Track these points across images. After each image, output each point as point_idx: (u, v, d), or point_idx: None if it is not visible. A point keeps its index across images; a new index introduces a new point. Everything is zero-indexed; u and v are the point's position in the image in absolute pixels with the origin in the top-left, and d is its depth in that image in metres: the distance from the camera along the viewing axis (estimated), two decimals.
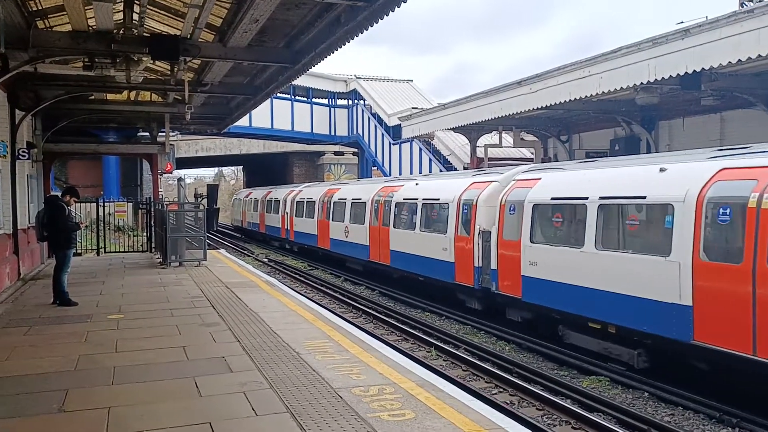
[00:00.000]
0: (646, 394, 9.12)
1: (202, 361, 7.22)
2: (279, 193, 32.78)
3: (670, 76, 12.83)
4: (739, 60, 11.32)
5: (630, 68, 13.78)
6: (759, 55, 10.93)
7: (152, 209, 21.23)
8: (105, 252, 20.47)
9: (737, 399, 8.24)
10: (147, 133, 22.85)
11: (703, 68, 12.14)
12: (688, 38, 12.22)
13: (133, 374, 6.69)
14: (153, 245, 20.52)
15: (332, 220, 23.47)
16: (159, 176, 25.46)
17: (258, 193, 37.23)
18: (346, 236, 21.94)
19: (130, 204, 26.63)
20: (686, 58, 12.30)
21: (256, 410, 5.55)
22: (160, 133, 21.90)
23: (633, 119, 19.00)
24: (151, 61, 12.87)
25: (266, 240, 35.23)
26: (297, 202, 28.63)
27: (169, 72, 14.63)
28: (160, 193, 26.88)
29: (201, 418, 5.38)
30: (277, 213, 31.64)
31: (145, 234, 22.37)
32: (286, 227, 30.54)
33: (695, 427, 7.95)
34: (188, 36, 11.22)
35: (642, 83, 13.70)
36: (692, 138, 17.11)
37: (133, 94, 18.45)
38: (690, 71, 12.35)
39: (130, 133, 23.69)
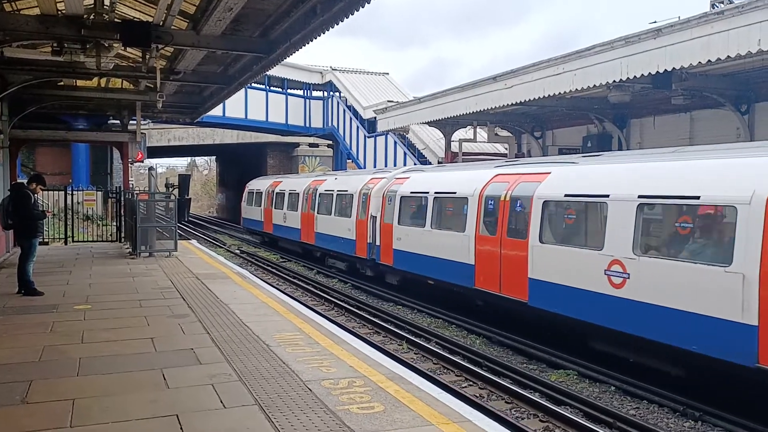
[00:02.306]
0: (613, 387, 9.27)
1: (171, 352, 7.14)
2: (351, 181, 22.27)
3: (642, 74, 12.99)
4: (709, 60, 11.51)
5: (603, 66, 13.93)
6: (728, 56, 11.13)
7: (122, 198, 20.91)
8: (73, 241, 20.12)
9: (700, 393, 8.42)
10: (118, 121, 22.48)
11: (674, 68, 12.32)
12: (659, 38, 12.39)
13: (100, 366, 6.59)
14: (123, 235, 20.23)
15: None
16: (130, 165, 25.06)
17: (300, 182, 25.38)
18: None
19: (100, 193, 26.19)
20: (658, 57, 12.47)
21: (224, 403, 5.51)
22: (131, 122, 21.54)
23: (605, 117, 19.22)
24: (123, 48, 12.62)
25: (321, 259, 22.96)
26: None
27: (140, 59, 14.32)
28: (130, 182, 26.47)
29: (168, 410, 5.32)
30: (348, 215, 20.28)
31: (114, 223, 22.05)
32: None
33: (659, 420, 8.11)
34: (161, 23, 11.02)
35: (614, 81, 13.86)
36: (663, 136, 17.37)
37: (103, 81, 18.08)
38: (661, 70, 12.53)
39: (100, 121, 23.28)
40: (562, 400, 8.68)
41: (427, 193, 14.89)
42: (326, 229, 20.98)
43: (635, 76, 13.16)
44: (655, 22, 13.32)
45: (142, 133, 21.81)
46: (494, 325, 12.53)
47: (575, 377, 9.78)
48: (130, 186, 24.17)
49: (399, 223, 15.89)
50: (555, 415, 8.09)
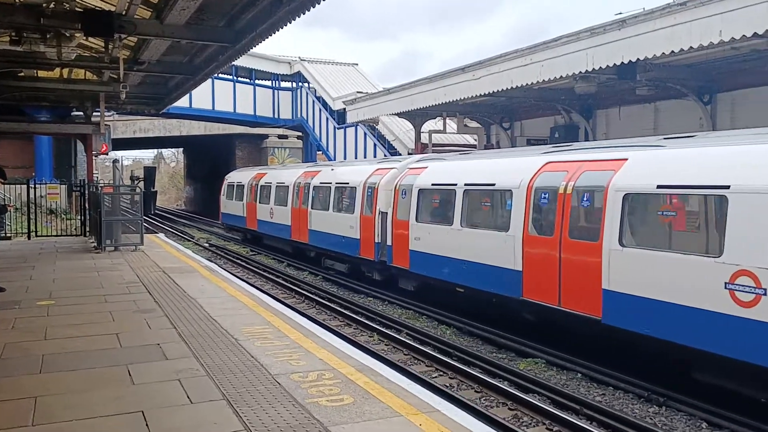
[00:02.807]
0: (580, 375, 9.41)
1: (136, 348, 7.03)
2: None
3: (607, 65, 13.13)
4: (672, 51, 11.68)
5: (569, 57, 14.05)
6: (691, 47, 11.30)
7: (86, 192, 20.51)
8: (36, 236, 19.66)
9: (665, 379, 8.59)
10: (81, 113, 22.00)
11: (638, 58, 12.48)
12: (624, 29, 12.53)
13: (63, 362, 6.46)
14: (87, 229, 19.85)
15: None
16: (94, 157, 24.55)
17: (289, 173, 23.10)
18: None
19: (64, 186, 25.66)
20: (622, 48, 12.61)
21: (191, 398, 5.44)
22: (94, 113, 21.13)
23: (572, 107, 19.42)
24: (84, 38, 12.33)
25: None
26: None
27: (103, 49, 14.03)
28: (95, 175, 25.94)
29: (133, 406, 5.24)
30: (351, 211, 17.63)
31: (79, 217, 21.61)
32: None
33: (625, 406, 8.25)
34: (123, 12, 10.78)
35: (580, 72, 13.99)
36: (628, 126, 17.63)
37: (65, 71, 17.68)
38: (626, 61, 12.68)
39: (63, 113, 22.76)
40: (531, 388, 8.78)
41: (455, 185, 12.72)
42: (322, 226, 18.75)
43: (601, 67, 13.30)
44: (620, 13, 13.47)
45: (106, 124, 21.43)
46: (465, 316, 12.61)
47: (543, 365, 9.91)
48: (95, 179, 23.68)
49: (417, 220, 13.77)
50: (523, 403, 8.18)
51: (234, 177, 29.91)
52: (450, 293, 12.92)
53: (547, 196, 10.37)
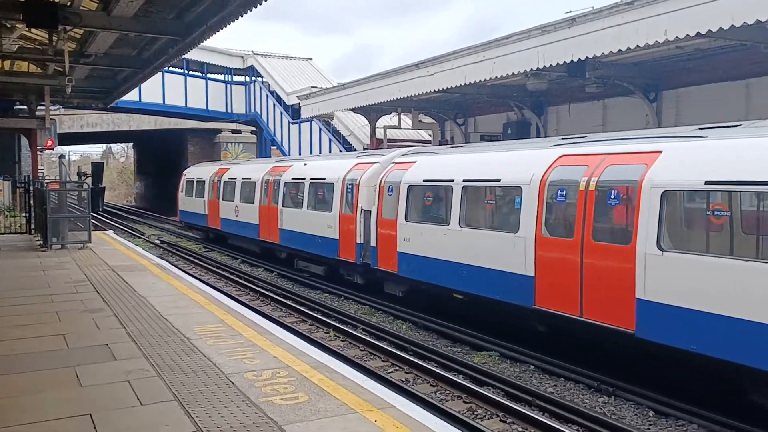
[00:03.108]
0: (532, 367, 9.58)
1: (84, 349, 6.84)
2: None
3: (558, 63, 13.35)
4: (620, 50, 11.94)
5: (521, 54, 14.23)
6: (638, 46, 11.59)
7: (31, 188, 19.83)
8: None
9: (615, 370, 8.81)
10: (25, 107, 21.25)
11: (587, 57, 12.72)
12: (574, 27, 12.76)
13: (7, 365, 6.24)
14: (33, 227, 19.19)
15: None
16: (39, 153, 23.76)
17: (255, 168, 21.90)
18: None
19: (7, 182, 24.73)
20: (572, 46, 12.84)
21: (141, 399, 5.32)
22: (39, 107, 20.44)
23: (524, 104, 19.70)
24: (27, 29, 11.92)
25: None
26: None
27: (47, 41, 13.60)
28: (40, 170, 25.09)
29: (81, 409, 5.10)
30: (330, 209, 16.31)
31: (24, 214, 20.86)
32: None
33: (576, 396, 8.44)
34: (69, 3, 10.46)
35: (532, 69, 14.18)
36: (577, 123, 17.97)
37: (7, 63, 17.04)
38: (576, 59, 12.91)
39: (5, 106, 21.95)
40: (485, 381, 8.90)
41: (451, 181, 11.53)
42: (295, 225, 17.39)
43: (551, 65, 13.52)
44: (570, 11, 13.73)
45: (51, 119, 20.77)
46: (420, 311, 12.67)
47: (497, 358, 10.05)
48: (40, 175, 22.92)
49: (406, 219, 12.60)
50: (478, 396, 8.29)
51: (193, 172, 28.19)
52: (445, 299, 11.84)
53: (564, 193, 9.33)
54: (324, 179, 16.36)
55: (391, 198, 13.28)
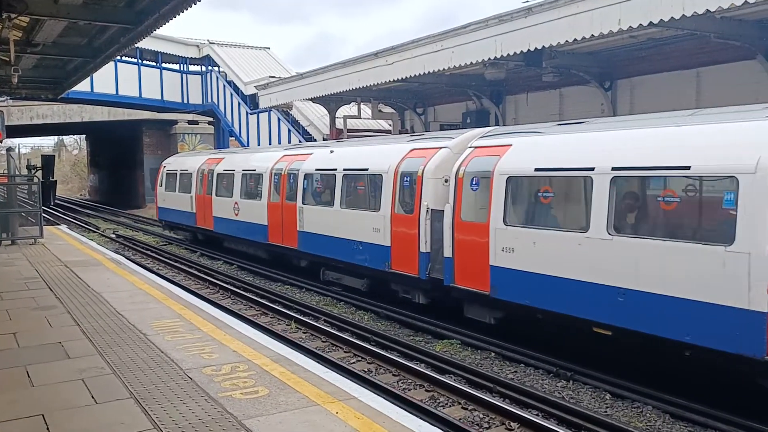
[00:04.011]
0: (493, 354, 9.69)
1: (36, 348, 6.64)
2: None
3: (515, 52, 13.46)
4: (575, 39, 12.10)
5: (479, 44, 14.30)
6: (592, 35, 11.75)
7: None
8: None
9: (571, 355, 8.97)
10: None
11: (543, 46, 12.86)
12: (530, 16, 12.87)
13: None
14: None
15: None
16: None
17: (261, 158, 18.39)
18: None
19: None
20: (529, 35, 12.96)
21: (95, 398, 5.19)
22: None
23: (483, 93, 19.82)
24: None
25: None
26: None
27: None
28: None
29: (32, 409, 4.95)
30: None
31: None
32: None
33: (536, 381, 8.57)
34: None
35: (490, 59, 14.27)
36: (535, 112, 18.18)
37: None
38: (532, 48, 13.03)
39: None
40: (447, 369, 8.96)
41: (591, 170, 8.35)
42: (323, 227, 14.14)
43: (509, 54, 13.62)
44: (527, 1, 13.83)
45: None
46: (382, 301, 12.68)
47: (458, 346, 10.13)
48: None
49: (506, 222, 9.45)
50: (440, 384, 8.34)
51: (175, 163, 24.59)
52: (575, 334, 8.93)
53: None
54: (366, 170, 13.05)
55: (476, 194, 10.21)
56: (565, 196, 9.42)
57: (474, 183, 10.35)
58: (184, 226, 23.16)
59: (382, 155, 12.83)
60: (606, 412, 7.54)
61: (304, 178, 15.11)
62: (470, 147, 10.73)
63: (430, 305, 11.69)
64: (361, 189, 13.47)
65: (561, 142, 9.59)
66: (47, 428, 4.64)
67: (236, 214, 18.48)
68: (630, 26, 11.02)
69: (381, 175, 12.34)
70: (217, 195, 19.83)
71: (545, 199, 9.45)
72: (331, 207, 13.88)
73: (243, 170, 18.48)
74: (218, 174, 19.94)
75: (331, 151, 14.77)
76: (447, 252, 10.49)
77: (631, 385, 8.03)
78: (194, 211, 21.63)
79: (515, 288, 9.37)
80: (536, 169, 9.28)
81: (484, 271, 9.80)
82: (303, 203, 14.99)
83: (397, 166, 12.04)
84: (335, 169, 13.88)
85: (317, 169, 14.79)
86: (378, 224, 12.27)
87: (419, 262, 11.28)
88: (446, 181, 10.97)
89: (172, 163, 25.02)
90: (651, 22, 10.68)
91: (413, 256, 11.40)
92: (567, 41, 12.31)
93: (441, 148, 11.50)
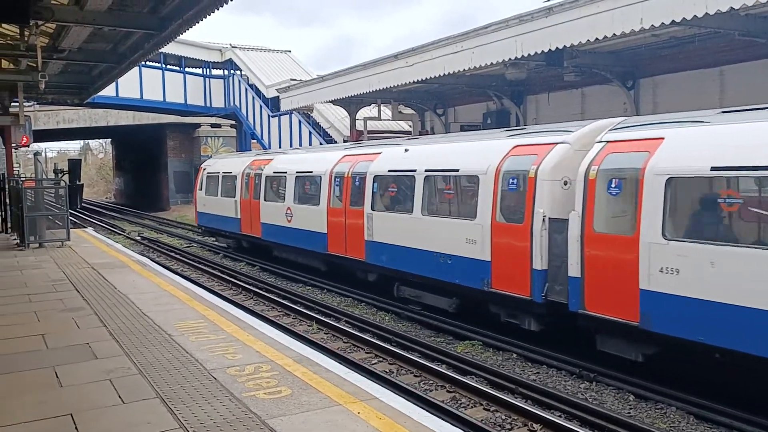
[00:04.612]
0: (515, 355, 9.66)
1: (64, 348, 6.77)
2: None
3: (536, 52, 13.42)
4: (597, 38, 12.03)
5: (499, 44, 14.27)
6: (614, 34, 11.68)
7: (6, 186, 19.53)
8: None
9: (593, 357, 8.92)
10: None
11: (564, 46, 12.80)
12: (551, 16, 12.81)
13: None
14: (9, 226, 18.92)
15: None
16: (14, 150, 23.37)
17: (318, 158, 16.67)
18: None
19: None
20: (550, 35, 12.91)
21: (123, 398, 5.29)
22: (12, 103, 20.05)
23: (503, 94, 19.77)
24: None
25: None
26: None
27: (19, 36, 13.35)
28: (16, 168, 24.71)
29: (61, 409, 5.06)
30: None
31: None
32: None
33: (558, 383, 8.54)
34: None
35: (510, 59, 14.23)
36: (556, 112, 18.09)
37: None
38: (553, 48, 12.98)
39: None
40: (468, 370, 8.96)
41: None
42: (397, 237, 12.43)
43: (529, 54, 13.57)
44: (547, 0, 13.77)
45: (25, 116, 20.36)
46: (402, 302, 12.70)
47: (480, 347, 10.12)
48: (16, 172, 22.57)
49: (667, 236, 7.56)
50: (461, 385, 8.34)
51: (216, 165, 22.91)
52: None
53: None
54: (455, 171, 11.35)
55: (616, 199, 8.44)
56: (759, 203, 7.18)
57: (613, 186, 8.40)
58: (226, 232, 21.49)
59: (477, 153, 10.98)
60: (629, 413, 7.49)
61: (374, 181, 13.26)
62: (601, 141, 8.80)
63: (543, 333, 9.77)
64: (450, 193, 11.86)
65: (748, 132, 7.32)
66: (76, 428, 4.74)
67: (289, 221, 16.86)
68: (652, 25, 10.93)
69: (477, 176, 10.51)
70: (266, 199, 18.26)
71: (729, 206, 7.47)
72: (408, 214, 12.12)
73: (297, 172, 16.78)
74: (267, 176, 18.32)
75: (406, 150, 13.00)
76: (573, 271, 8.60)
77: (654, 386, 7.97)
78: (239, 216, 19.98)
79: (681, 319, 7.43)
80: (714, 168, 7.21)
81: (630, 296, 7.86)
82: (372, 209, 13.18)
83: (499, 165, 10.14)
84: (414, 171, 12.12)
85: (390, 171, 12.99)
86: (473, 234, 10.42)
87: (532, 282, 9.37)
88: (566, 183, 9.22)
89: (212, 165, 23.22)
90: (673, 20, 10.58)
91: (523, 273, 9.47)
92: (588, 41, 12.24)
93: (557, 143, 9.57)
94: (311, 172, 16.03)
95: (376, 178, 13.24)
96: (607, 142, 8.70)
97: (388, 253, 12.70)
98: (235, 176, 20.29)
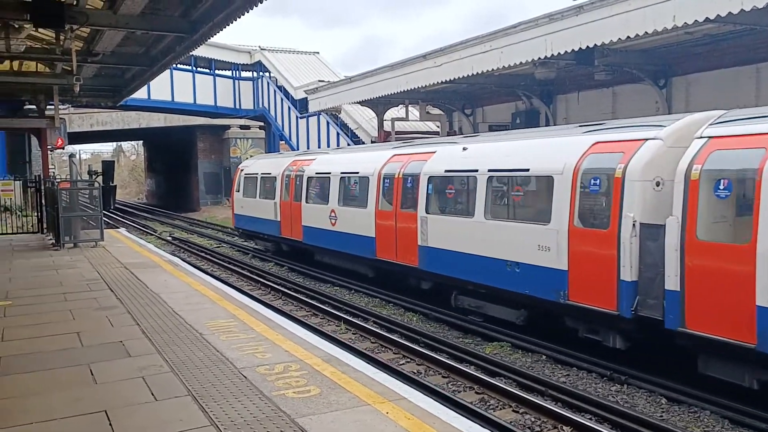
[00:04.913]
0: (544, 357, 9.57)
1: (98, 346, 6.90)
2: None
3: (566, 51, 13.29)
4: (628, 37, 11.87)
5: (528, 43, 14.17)
6: (645, 32, 11.51)
7: (42, 187, 19.98)
8: None
9: (626, 359, 8.79)
10: (34, 106, 21.38)
11: (595, 44, 12.66)
12: (581, 15, 12.68)
13: (22, 364, 6.30)
14: (45, 226, 19.35)
15: None
16: (49, 152, 23.90)
17: (363, 158, 15.95)
18: None
19: (18, 182, 24.92)
20: (580, 34, 12.77)
21: (155, 395, 5.37)
22: (48, 106, 20.55)
23: (533, 93, 19.61)
24: (34, 29, 11.98)
25: None
26: None
27: (54, 41, 13.67)
28: (51, 170, 25.30)
29: (96, 406, 5.15)
30: None
31: (35, 214, 21.05)
32: None
33: (588, 385, 8.43)
34: (74, 2, 10.51)
35: (540, 58, 14.12)
36: (587, 111, 17.89)
37: (16, 64, 17.16)
38: (584, 47, 12.84)
39: (14, 106, 22.08)
40: (497, 372, 8.90)
41: None
42: (456, 242, 11.43)
43: (559, 53, 13.45)
44: None
45: (61, 118, 20.87)
46: (460, 312, 12.55)
47: (509, 349, 10.05)
48: (51, 174, 23.09)
49: None
50: (490, 387, 8.29)
51: (254, 166, 22.15)
52: None
53: None
54: (525, 170, 10.31)
55: (725, 203, 7.54)
56: None
57: (721, 187, 7.43)
58: (265, 235, 20.78)
59: (549, 151, 9.99)
60: (662, 416, 7.37)
61: (428, 182, 12.36)
62: (701, 137, 7.81)
63: (630, 350, 8.83)
64: (518, 195, 10.83)
65: None
66: (110, 424, 4.83)
67: (333, 224, 15.92)
68: (685, 23, 10.75)
69: (551, 176, 9.46)
70: (307, 201, 17.45)
71: None
72: (469, 218, 11.17)
73: (342, 173, 15.90)
74: (309, 178, 17.49)
75: (464, 149, 11.98)
76: (671, 283, 7.67)
77: (688, 389, 7.82)
78: (278, 219, 19.21)
79: None
80: None
81: (744, 314, 6.92)
82: (427, 212, 12.28)
83: (577, 165, 9.11)
84: (475, 171, 11.18)
85: (447, 171, 12.07)
86: (547, 241, 9.42)
87: (619, 295, 8.36)
88: (658, 184, 8.32)
89: (250, 166, 22.52)
90: (707, 18, 10.39)
91: (608, 285, 8.50)
92: (619, 39, 12.08)
93: (647, 139, 8.56)
94: (357, 172, 15.23)
95: (430, 178, 12.36)
96: (710, 137, 7.70)
97: (445, 260, 11.79)
98: (275, 177, 19.61)
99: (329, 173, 16.38)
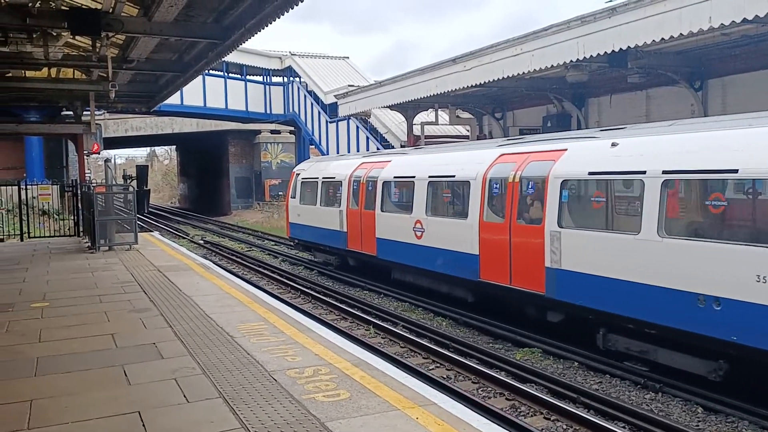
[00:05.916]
0: (576, 363, 9.44)
1: (132, 348, 7.01)
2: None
3: (598, 54, 13.13)
4: (663, 38, 11.67)
5: (560, 46, 14.03)
6: (681, 34, 11.31)
7: (79, 192, 20.41)
8: (29, 237, 19.55)
9: (661, 368, 8.61)
10: (71, 112, 21.86)
11: (629, 46, 12.48)
12: (614, 17, 12.52)
13: (58, 364, 6.43)
14: (81, 229, 19.76)
15: None
16: (86, 157, 24.43)
17: (455, 158, 13.41)
18: None
19: (56, 186, 25.51)
20: (613, 36, 12.61)
21: (187, 397, 5.43)
22: (84, 112, 20.99)
23: (564, 96, 19.41)
24: (71, 37, 12.26)
25: None
26: None
27: (91, 48, 13.97)
28: (87, 174, 25.80)
29: (130, 407, 5.22)
30: None
31: (72, 217, 21.51)
32: None
33: (621, 393, 8.29)
34: (110, 10, 10.71)
35: (572, 61, 13.98)
36: (619, 114, 17.64)
37: (53, 71, 17.57)
38: (617, 49, 12.67)
39: (52, 112, 22.61)
40: (528, 378, 8.81)
41: None
42: (609, 267, 8.83)
43: (592, 56, 13.30)
44: (610, 1, 13.46)
45: (96, 124, 21.34)
46: (460, 307, 12.60)
47: (540, 355, 9.93)
48: (87, 178, 23.56)
49: None
50: (520, 393, 8.20)
51: (312, 170, 19.93)
52: None
53: None
54: (731, 171, 7.43)
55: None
56: None
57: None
58: (327, 247, 18.34)
59: (760, 147, 7.26)
60: (698, 426, 7.20)
61: (561, 188, 9.79)
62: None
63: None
64: (719, 206, 7.85)
65: None
66: (143, 425, 4.89)
67: (418, 237, 13.60)
68: (722, 24, 10.53)
69: (762, 180, 7.17)
70: (383, 210, 15.18)
71: None
72: (631, 234, 8.51)
73: (430, 177, 13.51)
74: (385, 182, 15.28)
75: (614, 144, 9.24)
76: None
77: (725, 398, 7.63)
78: (344, 230, 16.91)
79: None
80: None
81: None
82: (560, 226, 9.69)
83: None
84: (640, 173, 8.48)
85: (591, 173, 9.40)
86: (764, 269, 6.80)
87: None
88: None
89: (308, 170, 20.19)
90: (745, 18, 10.16)
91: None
92: (654, 41, 11.90)
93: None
94: (453, 176, 12.78)
95: (564, 183, 9.78)
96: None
97: (590, 287, 9.16)
98: (340, 182, 17.35)
99: (413, 177, 14.09)
